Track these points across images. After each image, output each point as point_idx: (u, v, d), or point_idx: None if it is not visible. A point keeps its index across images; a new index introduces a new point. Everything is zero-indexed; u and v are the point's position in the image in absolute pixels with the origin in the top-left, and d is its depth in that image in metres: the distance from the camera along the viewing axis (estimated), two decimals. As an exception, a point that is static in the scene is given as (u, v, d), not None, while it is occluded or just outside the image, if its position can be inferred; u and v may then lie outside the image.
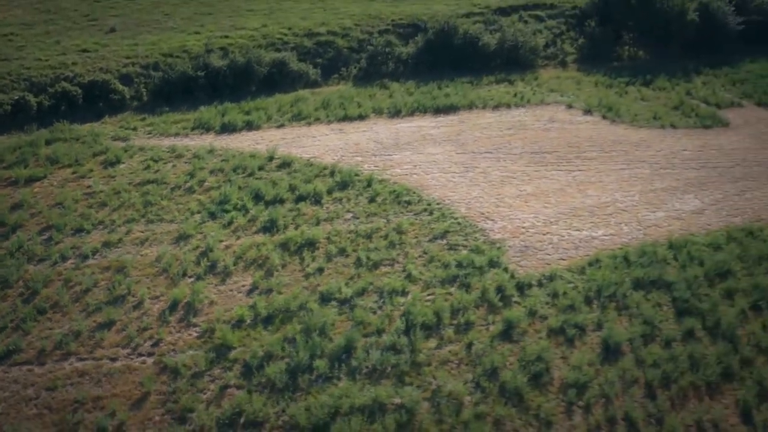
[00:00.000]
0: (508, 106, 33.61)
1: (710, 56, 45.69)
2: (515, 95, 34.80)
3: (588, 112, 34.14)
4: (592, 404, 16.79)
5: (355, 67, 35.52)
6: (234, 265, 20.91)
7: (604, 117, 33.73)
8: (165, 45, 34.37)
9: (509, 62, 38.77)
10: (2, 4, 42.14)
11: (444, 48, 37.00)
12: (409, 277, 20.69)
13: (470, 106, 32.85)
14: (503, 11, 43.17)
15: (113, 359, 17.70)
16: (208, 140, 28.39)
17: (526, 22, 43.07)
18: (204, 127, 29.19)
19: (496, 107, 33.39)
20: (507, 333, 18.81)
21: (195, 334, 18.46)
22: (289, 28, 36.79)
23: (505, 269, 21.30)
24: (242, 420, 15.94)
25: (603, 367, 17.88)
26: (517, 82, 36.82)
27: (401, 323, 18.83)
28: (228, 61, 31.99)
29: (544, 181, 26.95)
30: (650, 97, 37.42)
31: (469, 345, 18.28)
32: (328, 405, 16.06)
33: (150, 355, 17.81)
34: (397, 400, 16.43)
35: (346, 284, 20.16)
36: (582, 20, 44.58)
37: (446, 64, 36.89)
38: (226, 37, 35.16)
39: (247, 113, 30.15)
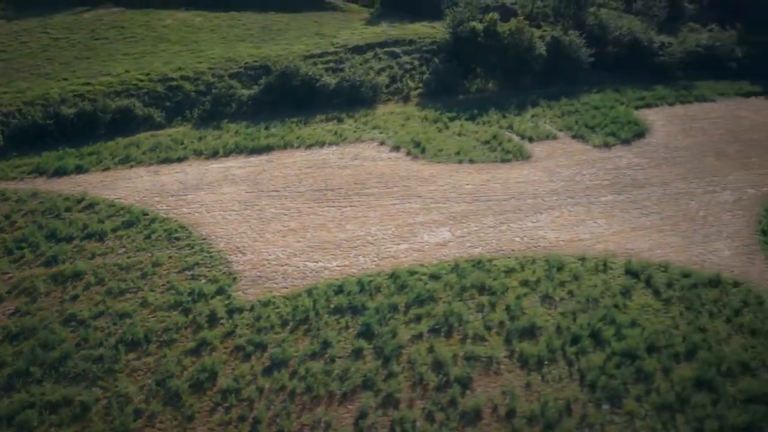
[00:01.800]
0: (323, 144, 39.78)
1: (560, 87, 51.43)
2: (335, 134, 40.92)
3: (396, 148, 40.12)
4: (235, 405, 22.87)
5: (199, 110, 41.82)
6: (7, 292, 27.29)
7: (408, 153, 39.71)
8: (31, 92, 40.96)
9: (351, 100, 44.80)
10: None
11: (284, 89, 43.20)
12: (144, 303, 26.92)
13: (285, 146, 39.10)
14: (359, 49, 49.28)
15: None
16: (38, 184, 34.96)
17: (380, 59, 49.10)
18: (39, 172, 35.73)
19: (311, 146, 39.56)
20: (197, 349, 24.93)
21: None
22: (147, 74, 43.25)
23: (228, 296, 27.45)
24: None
25: (261, 377, 23.95)
26: (347, 120, 42.96)
27: (117, 339, 25.04)
28: (77, 109, 38.45)
29: (311, 217, 33.00)
30: (469, 131, 43.28)
31: (161, 358, 24.43)
32: (26, 400, 22.35)
33: None
34: (80, 398, 22.65)
35: (90, 309, 26.46)
36: (436, 56, 50.46)
37: (287, 104, 43.03)
38: (88, 84, 41.65)
39: (81, 158, 36.60)
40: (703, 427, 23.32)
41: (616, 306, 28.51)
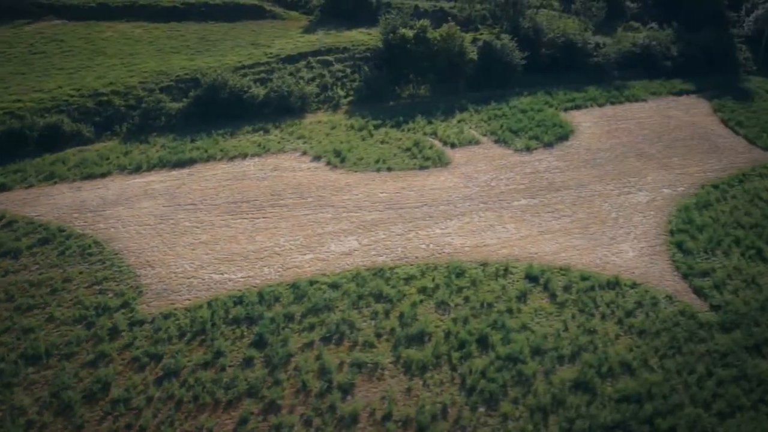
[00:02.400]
0: (245, 156, 41.31)
1: (492, 91, 53.02)
2: (259, 145, 42.46)
3: (317, 158, 41.68)
4: (123, 414, 24.46)
5: (128, 124, 43.23)
6: None
7: (328, 163, 41.27)
8: (-39, 111, 42.35)
9: (280, 110, 46.29)
10: None
11: (212, 102, 44.68)
12: (50, 318, 28.44)
13: (208, 159, 40.62)
14: (292, 59, 50.78)
15: None
16: (-40, 202, 36.42)
17: (312, 68, 50.59)
18: (-38, 191, 37.18)
19: (233, 158, 41.09)
20: (95, 361, 26.49)
21: None
22: (79, 89, 44.64)
23: (132, 309, 29.02)
24: None
25: (153, 387, 25.55)
26: (273, 131, 44.49)
27: (18, 354, 26.54)
28: (4, 127, 39.84)
29: (223, 230, 34.56)
30: (392, 138, 44.86)
31: (60, 371, 25.97)
32: None
33: None
34: (-25, 413, 24.25)
35: (-4, 326, 28.00)
36: (369, 63, 51.97)
37: (216, 117, 44.48)
38: (19, 101, 43.03)
39: (6, 176, 37.99)
40: (573, 427, 25.12)
41: (509, 311, 30.30)
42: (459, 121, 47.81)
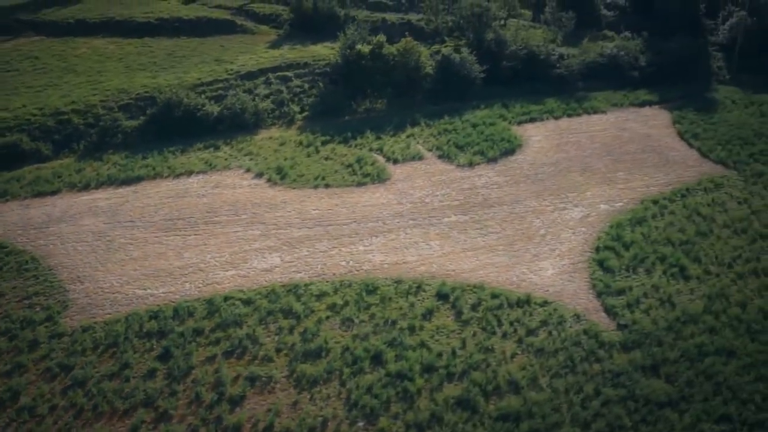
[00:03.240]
0: (191, 173, 44.01)
1: (450, 104, 54.96)
2: (206, 162, 45.14)
3: (259, 175, 44.18)
4: (27, 421, 27.17)
5: (86, 142, 46.26)
6: None
7: (269, 180, 43.76)
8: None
9: (234, 127, 48.92)
10: None
11: (167, 120, 47.49)
12: (-23, 331, 31.41)
13: (155, 176, 43.43)
14: (251, 75, 53.36)
15: None
16: None
17: (270, 84, 53.09)
18: None
19: (179, 176, 43.82)
20: (11, 372, 29.31)
21: None
22: (41, 108, 47.86)
23: (55, 323, 31.82)
24: None
25: (59, 396, 28.23)
26: (223, 147, 47.14)
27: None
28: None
29: (155, 246, 37.24)
30: (337, 154, 47.17)
31: (-24, 381, 28.91)
32: None
33: None
34: None
35: (-74, 340, 31.03)
36: (327, 79, 54.29)
37: (171, 134, 47.27)
38: (-18, 120, 46.47)
39: (-40, 194, 41.32)
40: (445, 443, 27.17)
41: (411, 328, 32.35)
42: (408, 136, 49.92)
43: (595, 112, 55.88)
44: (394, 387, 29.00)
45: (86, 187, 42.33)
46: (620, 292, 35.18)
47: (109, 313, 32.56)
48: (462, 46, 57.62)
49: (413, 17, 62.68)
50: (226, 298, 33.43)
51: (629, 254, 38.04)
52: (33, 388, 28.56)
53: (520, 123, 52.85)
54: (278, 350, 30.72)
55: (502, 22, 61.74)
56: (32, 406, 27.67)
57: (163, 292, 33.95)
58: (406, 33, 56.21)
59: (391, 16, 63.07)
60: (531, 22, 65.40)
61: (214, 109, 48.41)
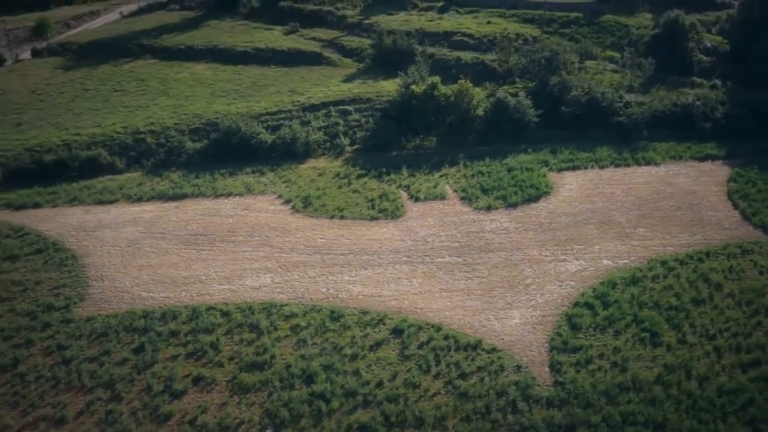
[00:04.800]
0: (229, 195, 51.43)
1: (501, 145, 58.34)
2: (246, 186, 52.46)
3: (287, 202, 50.68)
4: (17, 384, 35.21)
5: (155, 159, 55.35)
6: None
7: (293, 207, 50.11)
8: (34, 140, 57.16)
9: (286, 155, 55.93)
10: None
11: (226, 144, 55.44)
12: (11, 309, 40.31)
13: (198, 195, 51.37)
14: (315, 107, 60.15)
15: None
16: (1, 215, 50.28)
17: (330, 116, 59.51)
18: (8, 205, 51.12)
19: (219, 196, 51.42)
20: (20, 345, 37.72)
21: None
22: (126, 127, 57.83)
23: (69, 311, 40.00)
24: None
25: (47, 369, 36.14)
26: (268, 173, 54.22)
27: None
28: (56, 156, 53.70)
29: (171, 257, 44.84)
30: (366, 188, 52.65)
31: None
32: None
33: None
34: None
35: (-27, 311, 40.47)
36: (385, 114, 59.71)
37: (228, 157, 55.24)
38: (78, 134, 56.98)
39: (42, 196, 51.59)
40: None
41: (354, 356, 37.03)
42: (442, 176, 54.25)
43: (648, 164, 56.81)
44: (310, 405, 33.94)
45: (139, 200, 51.33)
46: (575, 349, 37.21)
47: (113, 309, 40.42)
48: (527, 88, 60.78)
49: (489, 57, 66.58)
50: (208, 308, 40.13)
51: (605, 313, 39.72)
52: (31, 360, 36.81)
53: (560, 170, 55.26)
54: (231, 358, 36.82)
55: (577, 65, 63.83)
56: (24, 373, 35.80)
57: (162, 297, 41.36)
58: (461, 76, 60.35)
59: (467, 55, 67.41)
60: (612, 66, 66.61)
61: (268, 137, 55.92)
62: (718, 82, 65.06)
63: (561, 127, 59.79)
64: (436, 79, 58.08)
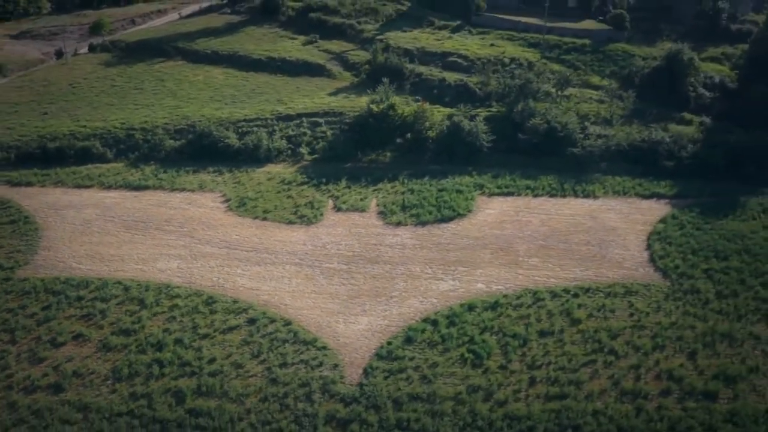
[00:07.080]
0: (183, 190, 64.26)
1: (455, 166, 66.92)
2: (200, 183, 64.98)
3: (227, 201, 62.70)
4: (-50, 325, 50.00)
5: (138, 153, 69.31)
6: (-75, 249, 58.41)
7: (229, 206, 62.00)
8: (48, 129, 72.90)
9: (250, 159, 68.11)
10: None
11: (198, 145, 68.55)
12: (-29, 267, 55.42)
13: (158, 188, 64.59)
14: (289, 117, 71.74)
15: None
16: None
17: (300, 127, 70.95)
18: (8, 181, 66.94)
19: (174, 190, 64.36)
20: (-35, 295, 52.61)
21: None
22: (123, 123, 72.20)
23: (12, 271, 54.60)
24: None
25: (-24, 315, 50.74)
26: (225, 173, 66.51)
27: (-60, 283, 54.14)
28: (58, 144, 69.11)
29: (110, 238, 58.16)
30: (302, 195, 63.54)
31: (-54, 296, 52.71)
32: None
33: None
34: None
35: (-54, 265, 55.98)
36: (350, 128, 70.24)
37: (201, 157, 68.30)
38: (84, 126, 72.04)
39: (37, 177, 66.97)
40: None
41: (205, 335, 48.26)
42: (375, 190, 64.14)
43: (586, 196, 63.54)
44: (148, 367, 45.29)
45: (109, 187, 65.44)
46: (396, 359, 45.41)
47: (46, 274, 54.14)
48: (500, 113, 69.18)
49: (474, 80, 75.15)
50: (116, 282, 53.02)
51: (445, 332, 47.59)
52: (-25, 312, 51.59)
53: (492, 195, 63.42)
54: (111, 323, 49.23)
55: (556, 93, 71.16)
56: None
57: (86, 268, 54.79)
58: (419, 98, 69.68)
59: (453, 76, 76.21)
60: (599, 96, 72.99)
61: (234, 142, 68.46)
62: (707, 120, 69.82)
63: (520, 153, 67.64)
64: (394, 99, 68.08)
